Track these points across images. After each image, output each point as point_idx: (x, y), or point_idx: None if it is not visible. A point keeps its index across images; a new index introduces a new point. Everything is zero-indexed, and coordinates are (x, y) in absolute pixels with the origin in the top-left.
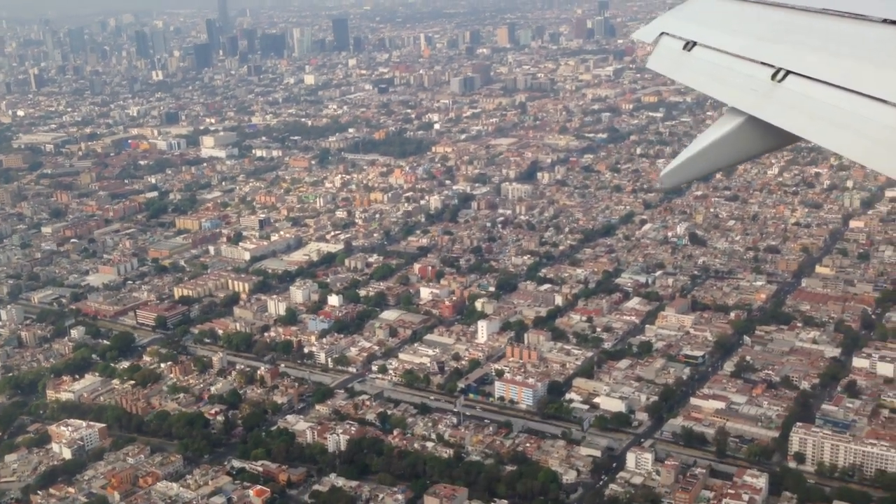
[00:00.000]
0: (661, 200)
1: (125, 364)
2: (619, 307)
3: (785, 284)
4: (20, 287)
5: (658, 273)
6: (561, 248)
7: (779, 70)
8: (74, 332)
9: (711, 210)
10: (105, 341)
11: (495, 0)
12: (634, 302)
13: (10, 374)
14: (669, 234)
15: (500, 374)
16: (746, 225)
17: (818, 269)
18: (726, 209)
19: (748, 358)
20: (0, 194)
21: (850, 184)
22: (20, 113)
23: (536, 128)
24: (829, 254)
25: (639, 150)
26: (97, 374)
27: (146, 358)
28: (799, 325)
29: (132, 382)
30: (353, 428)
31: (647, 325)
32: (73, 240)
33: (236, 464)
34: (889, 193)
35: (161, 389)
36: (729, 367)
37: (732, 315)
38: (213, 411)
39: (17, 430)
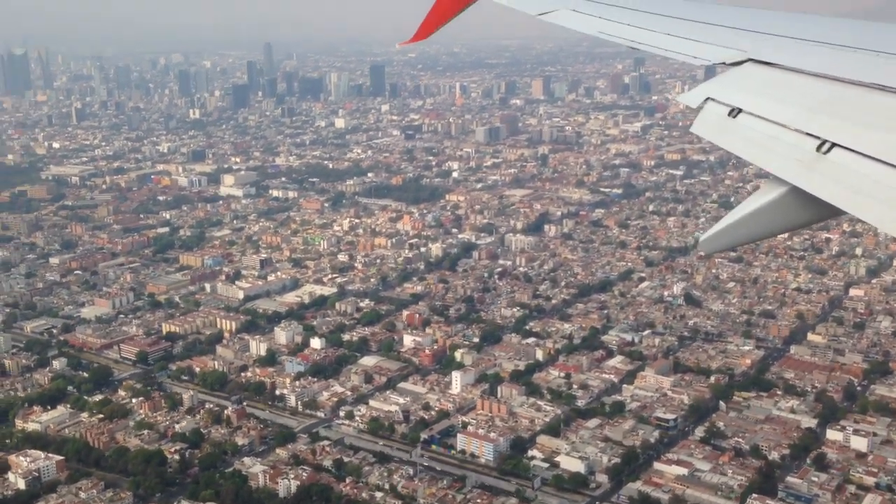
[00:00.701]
0: (664, 259)
1: (99, 397)
2: (600, 365)
3: (773, 350)
4: (16, 315)
5: (646, 332)
6: (553, 301)
7: (824, 142)
8: (56, 363)
9: (713, 271)
10: (84, 373)
11: (538, 53)
12: (617, 360)
13: None
14: (666, 293)
15: (464, 426)
16: (745, 288)
17: (810, 336)
18: (728, 271)
19: (721, 424)
20: (17, 223)
21: (859, 251)
22: (56, 145)
23: (553, 180)
24: (824, 321)
25: (651, 207)
26: (69, 406)
27: (121, 392)
28: (779, 392)
29: (100, 416)
30: (305, 473)
31: (624, 385)
32: (76, 271)
33: None
34: None
35: (127, 425)
36: (700, 432)
37: (713, 379)
38: (172, 449)
39: None
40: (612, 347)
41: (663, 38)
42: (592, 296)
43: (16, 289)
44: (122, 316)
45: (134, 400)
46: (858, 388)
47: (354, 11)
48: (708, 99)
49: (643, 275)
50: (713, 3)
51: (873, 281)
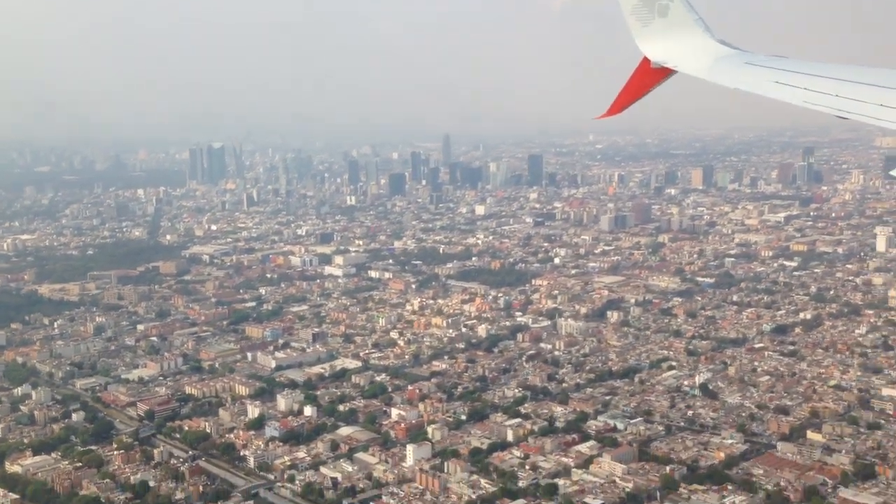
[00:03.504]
0: (713, 349)
1: (90, 448)
2: (566, 449)
3: (761, 447)
4: (74, 373)
5: (636, 420)
6: (564, 385)
7: None
8: (75, 416)
9: (755, 363)
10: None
11: (732, 143)
12: (586, 445)
13: None
14: (686, 383)
15: (376, 498)
16: (777, 381)
17: (810, 434)
18: (773, 364)
19: None
20: (130, 294)
21: None
22: (213, 227)
23: (652, 269)
24: (842, 420)
25: (735, 298)
26: (59, 453)
27: (113, 445)
28: (729, 487)
29: (78, 464)
30: None
31: (578, 469)
32: (152, 338)
33: None
34: None
35: (94, 473)
36: None
37: (668, 470)
38: (119, 499)
39: None
40: (591, 433)
41: (874, 108)
42: (609, 381)
43: (91, 350)
44: (161, 378)
45: (115, 452)
46: (828, 490)
47: (553, 103)
48: None
49: (673, 364)
50: None
51: None
